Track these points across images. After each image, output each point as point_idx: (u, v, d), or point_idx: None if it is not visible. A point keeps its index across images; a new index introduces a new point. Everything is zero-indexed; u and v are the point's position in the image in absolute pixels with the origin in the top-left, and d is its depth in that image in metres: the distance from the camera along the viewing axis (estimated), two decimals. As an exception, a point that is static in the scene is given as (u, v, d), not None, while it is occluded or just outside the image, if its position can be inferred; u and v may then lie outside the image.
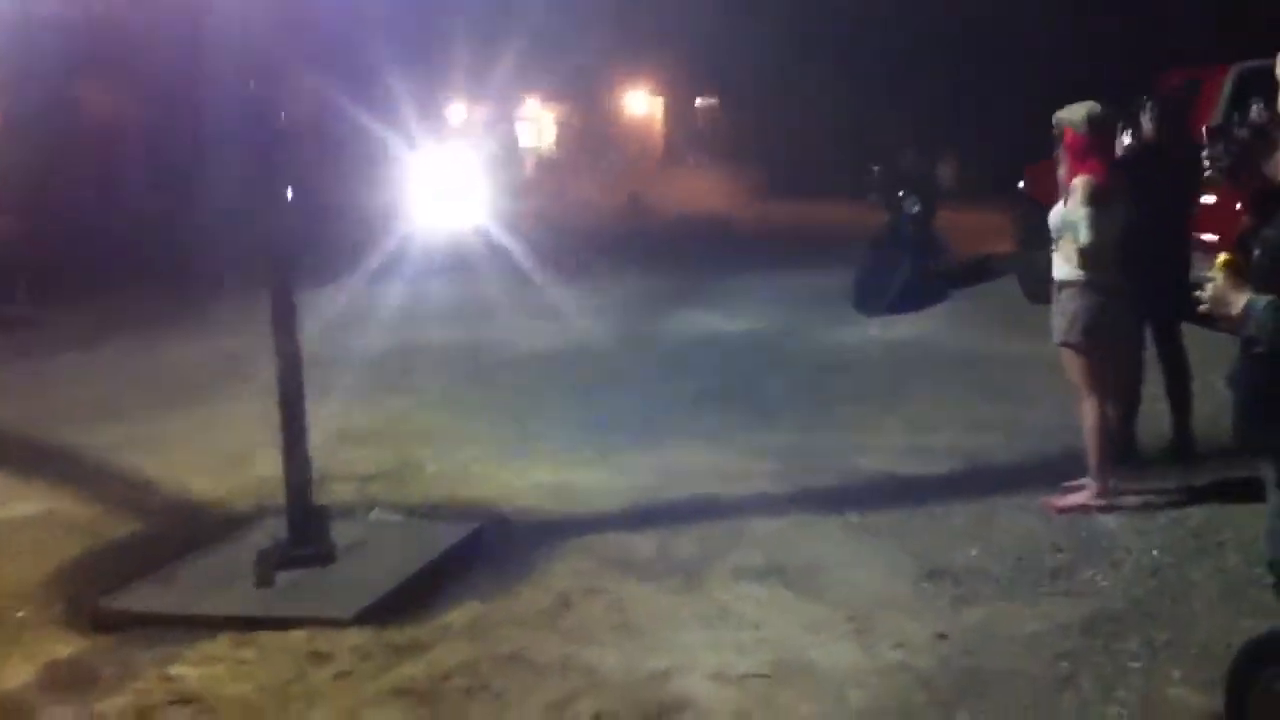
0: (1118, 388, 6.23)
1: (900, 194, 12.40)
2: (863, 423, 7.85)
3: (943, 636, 4.63)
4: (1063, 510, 5.91)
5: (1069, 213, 5.88)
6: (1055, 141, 6.11)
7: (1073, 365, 6.04)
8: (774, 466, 6.95)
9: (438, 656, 4.63)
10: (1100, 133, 5.95)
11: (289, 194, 5.78)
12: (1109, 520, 5.79)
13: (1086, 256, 5.81)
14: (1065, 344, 6.01)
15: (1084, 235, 5.75)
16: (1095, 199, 5.78)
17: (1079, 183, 5.83)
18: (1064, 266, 5.96)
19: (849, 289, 12.06)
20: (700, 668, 4.43)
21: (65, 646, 4.91)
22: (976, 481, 6.53)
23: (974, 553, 5.45)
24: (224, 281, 12.88)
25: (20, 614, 5.25)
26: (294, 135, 6.59)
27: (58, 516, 6.47)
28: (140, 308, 12.88)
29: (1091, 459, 5.99)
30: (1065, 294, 5.97)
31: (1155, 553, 5.38)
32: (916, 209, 12.28)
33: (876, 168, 13.05)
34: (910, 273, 11.86)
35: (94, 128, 22.63)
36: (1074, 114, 5.94)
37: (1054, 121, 6.03)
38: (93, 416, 8.70)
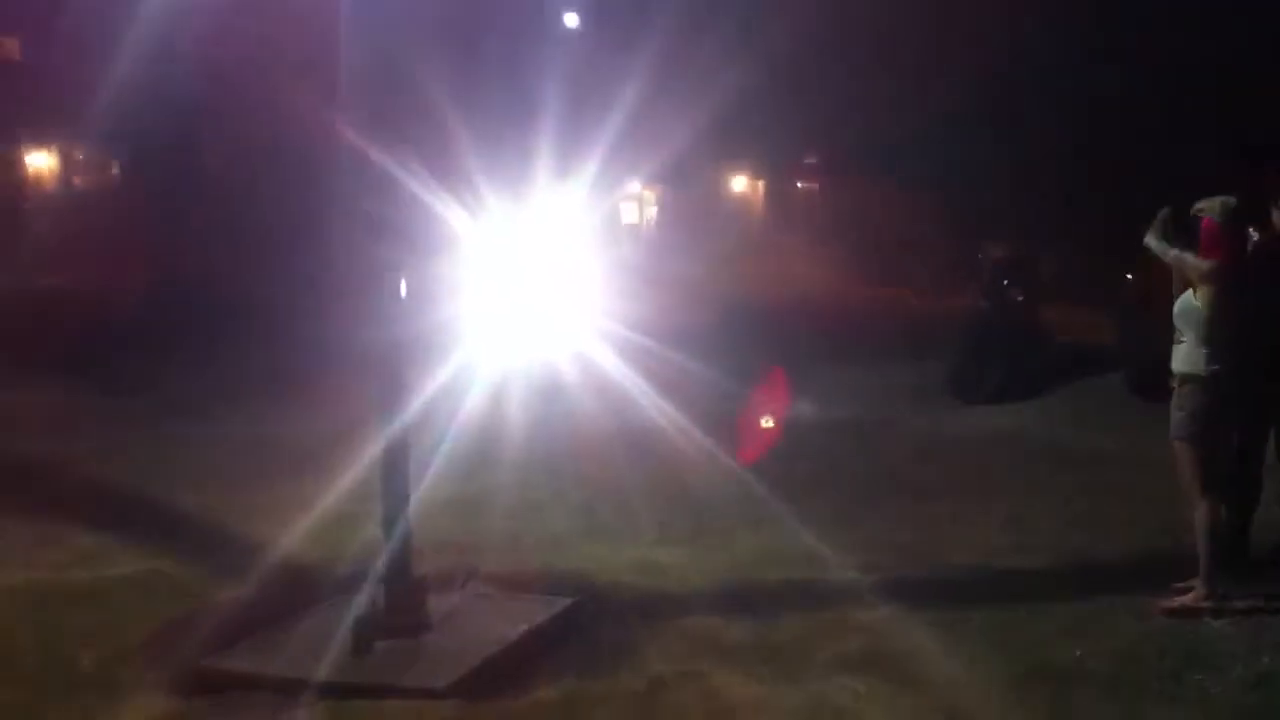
0: (1233, 488, 6.09)
1: (1004, 283, 12.30)
2: (958, 515, 7.75)
3: (1044, 738, 4.53)
4: (1171, 612, 5.77)
5: (1195, 301, 5.84)
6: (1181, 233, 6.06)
7: (1186, 462, 5.92)
8: (868, 556, 6.87)
9: (530, 733, 4.63)
10: (1235, 223, 5.94)
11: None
12: (1217, 625, 5.64)
13: (1208, 343, 5.75)
14: (1180, 439, 5.90)
15: (1206, 314, 5.69)
16: (1226, 285, 5.74)
17: (1209, 267, 5.80)
18: (1185, 359, 5.90)
19: (944, 378, 11.95)
20: (795, 759, 4.38)
21: (164, 707, 4.98)
22: (1075, 580, 6.41)
23: (1077, 652, 5.33)
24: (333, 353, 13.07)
25: (122, 673, 5.34)
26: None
27: (162, 577, 6.59)
28: (254, 374, 13.11)
29: (1202, 561, 5.85)
30: (1185, 389, 5.89)
31: (1265, 659, 5.23)
32: (1019, 298, 12.17)
33: (981, 256, 12.98)
34: (1010, 362, 11.73)
35: (216, 188, 23.24)
36: (1213, 203, 5.93)
37: (1192, 211, 6.00)
38: (200, 482, 8.88)
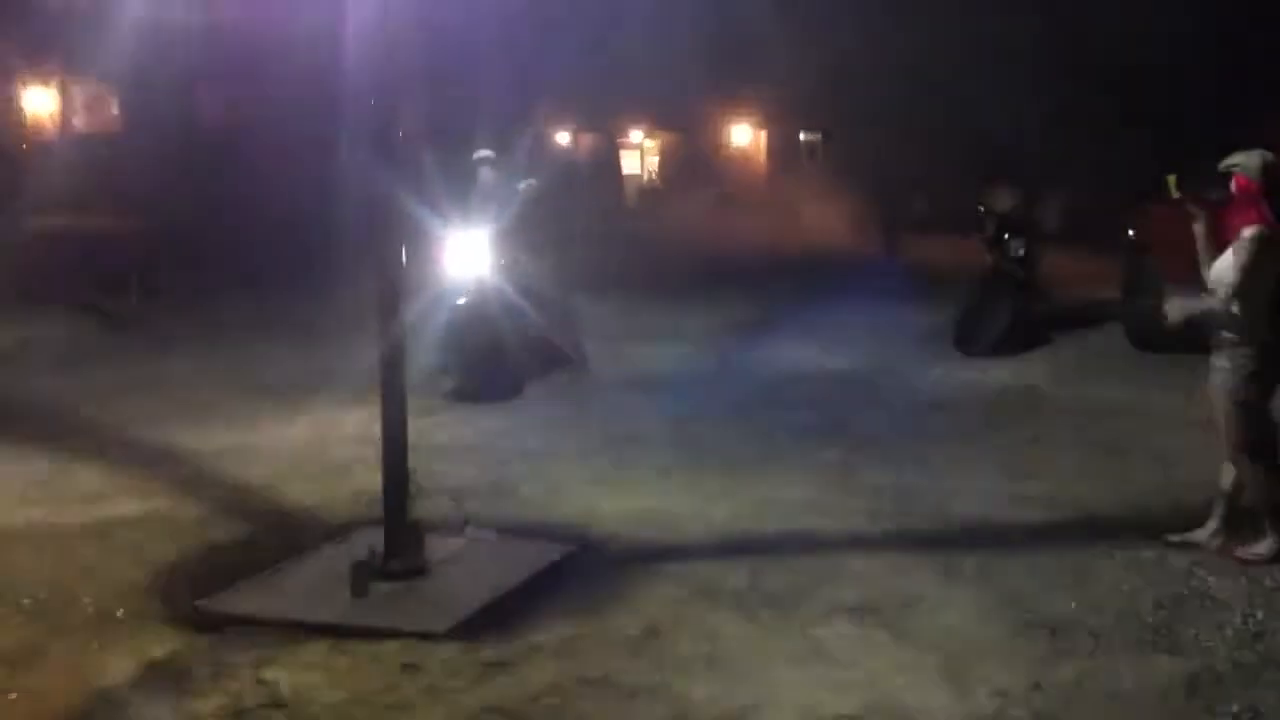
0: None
1: (1005, 236, 12.24)
2: (959, 466, 7.74)
3: (1038, 688, 4.54)
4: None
5: (1231, 261, 5.76)
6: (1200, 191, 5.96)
7: (1236, 425, 5.85)
8: (868, 504, 6.88)
9: (527, 676, 4.64)
10: (1272, 180, 5.81)
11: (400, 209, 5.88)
12: (1212, 579, 5.64)
13: (1240, 306, 5.69)
14: (1232, 403, 5.83)
15: (1234, 279, 5.64)
16: (1264, 249, 5.66)
17: (1250, 232, 5.71)
18: (1233, 323, 5.83)
19: (950, 329, 11.93)
20: (790, 704, 4.40)
21: (163, 646, 5.00)
22: (1075, 532, 6.40)
23: (1073, 604, 5.34)
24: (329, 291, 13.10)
25: (120, 612, 5.37)
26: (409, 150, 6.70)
27: (160, 517, 6.62)
28: (248, 314, 13.13)
29: (1268, 520, 5.81)
30: (1233, 353, 5.82)
31: (1261, 614, 5.24)
32: (1021, 251, 12.11)
33: (981, 208, 12.89)
34: (1013, 315, 11.70)
35: (210, 134, 23.21)
36: (1249, 159, 5.80)
37: (1222, 166, 5.89)
38: (197, 420, 8.91)
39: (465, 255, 9.90)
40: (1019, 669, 4.70)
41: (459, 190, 10.07)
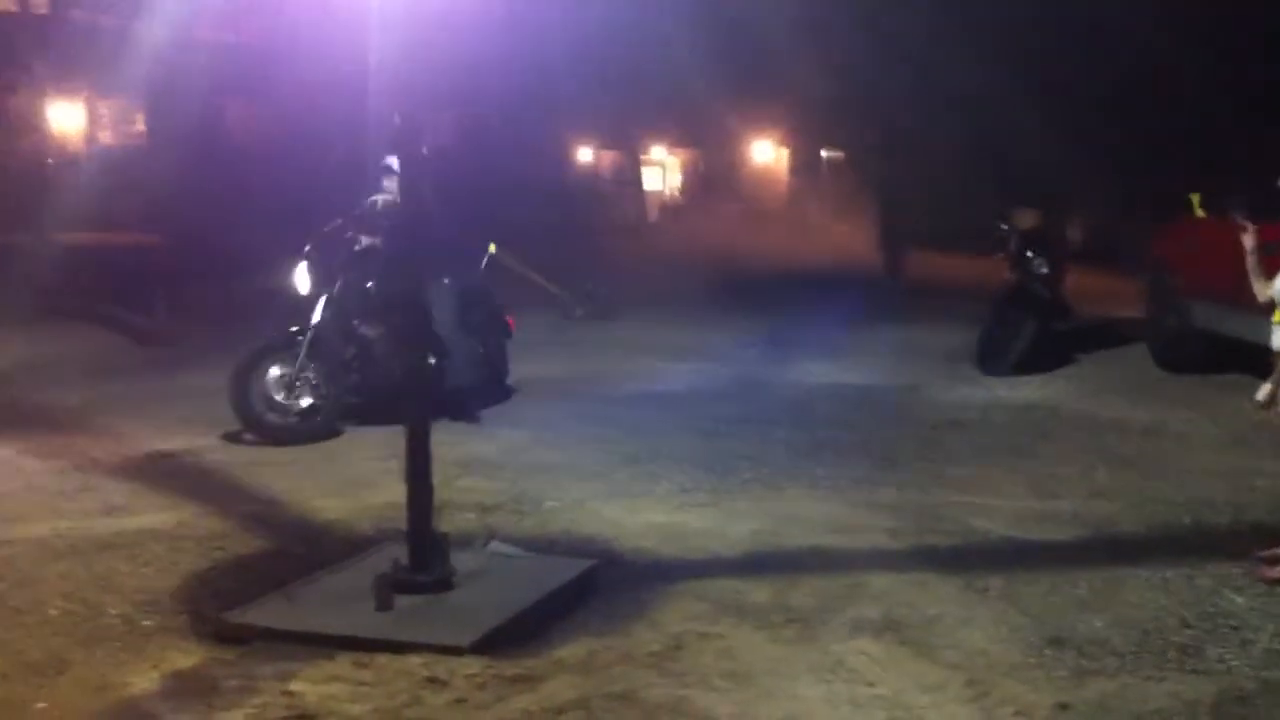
0: None
1: (1028, 254, 12.22)
2: (982, 484, 7.73)
3: (1064, 707, 4.52)
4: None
5: None
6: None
7: None
8: (891, 522, 6.88)
9: (550, 690, 4.65)
10: None
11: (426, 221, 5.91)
12: (1239, 599, 5.62)
13: None
14: None
15: None
16: None
17: None
18: None
19: (973, 347, 11.91)
20: (814, 721, 4.39)
21: (188, 657, 5.02)
22: (1100, 551, 6.39)
23: (1098, 623, 5.32)
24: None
25: (147, 622, 5.40)
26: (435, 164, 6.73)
27: (186, 529, 6.65)
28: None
29: None
30: None
31: (1288, 635, 5.21)
32: (1045, 270, 12.08)
33: (1005, 226, 12.89)
34: (1035, 334, 11.67)
35: (235, 150, 23.35)
36: None
37: None
38: (223, 433, 8.95)
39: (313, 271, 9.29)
40: (1044, 688, 4.68)
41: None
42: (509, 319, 10.56)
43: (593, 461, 8.25)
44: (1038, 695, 4.61)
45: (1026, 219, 12.67)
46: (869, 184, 26.68)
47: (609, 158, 37.19)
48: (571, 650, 5.04)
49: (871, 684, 4.72)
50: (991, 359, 11.57)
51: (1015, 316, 11.78)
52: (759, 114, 33.87)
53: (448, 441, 7.64)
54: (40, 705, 4.61)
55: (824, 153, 35.64)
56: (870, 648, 5.07)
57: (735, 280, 18.97)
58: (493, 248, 11.14)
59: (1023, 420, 9.64)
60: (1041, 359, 11.59)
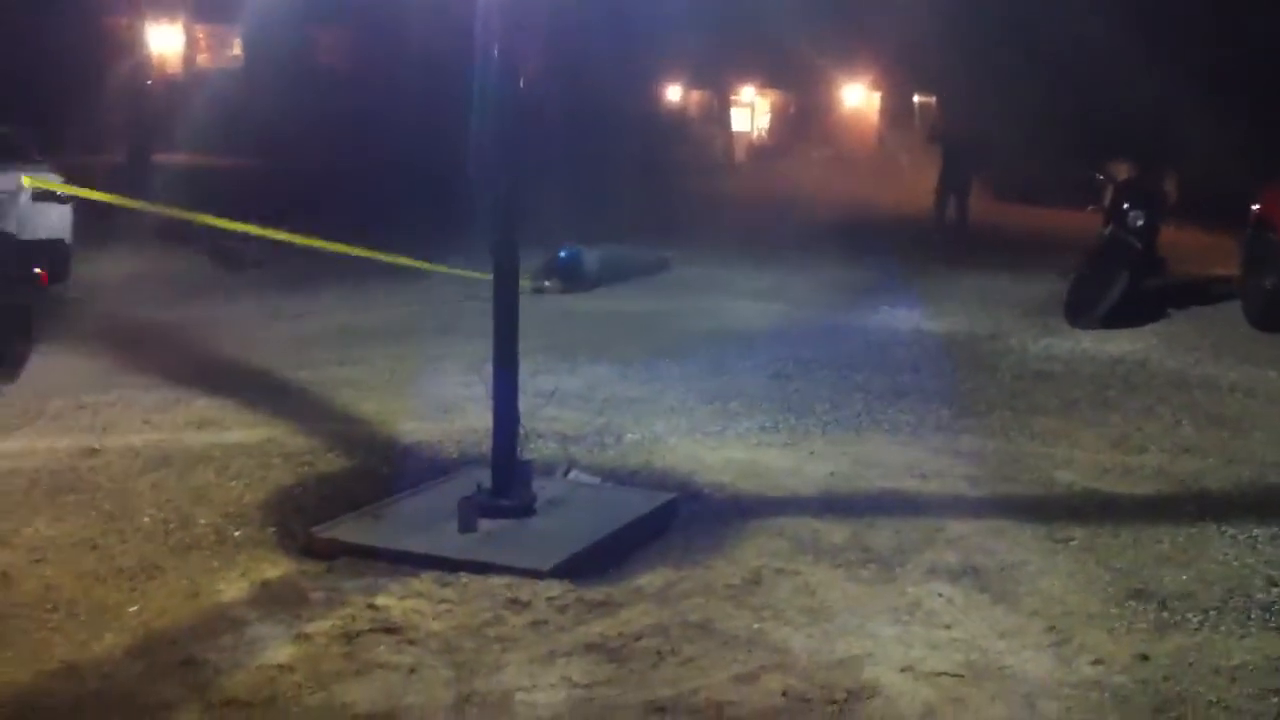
0: None
1: (1124, 206, 11.98)
2: (1066, 435, 7.65)
3: (1144, 658, 4.49)
4: None
5: None
6: None
7: None
8: (972, 469, 6.84)
9: (629, 616, 4.71)
10: None
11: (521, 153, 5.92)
12: (1328, 559, 5.53)
13: None
14: None
15: None
16: None
17: None
18: None
19: (1061, 298, 11.75)
20: (890, 659, 4.40)
21: (276, 568, 5.15)
22: (1185, 506, 6.30)
23: (1182, 578, 5.26)
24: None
25: (237, 534, 5.54)
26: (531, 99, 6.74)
27: (276, 445, 6.80)
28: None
29: None
30: None
31: (1376, 597, 5.13)
32: (1140, 223, 11.85)
33: (1100, 177, 12.65)
34: (1128, 288, 11.47)
35: (329, 76, 23.52)
36: None
37: None
38: (311, 355, 9.11)
39: None
40: (1123, 639, 4.66)
41: None
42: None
43: (674, 398, 8.29)
44: (1117, 645, 4.59)
45: (1122, 170, 12.43)
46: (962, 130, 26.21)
47: (697, 97, 36.94)
48: (650, 579, 5.09)
49: (948, 626, 4.72)
50: (1081, 311, 11.40)
51: (1107, 269, 11.57)
52: (851, 57, 33.42)
53: (535, 372, 7.72)
54: (133, 609, 4.75)
55: (916, 98, 35.08)
56: (948, 591, 5.06)
57: (819, 224, 18.79)
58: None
59: (1109, 374, 9.50)
60: (1132, 313, 11.39)
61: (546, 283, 12.62)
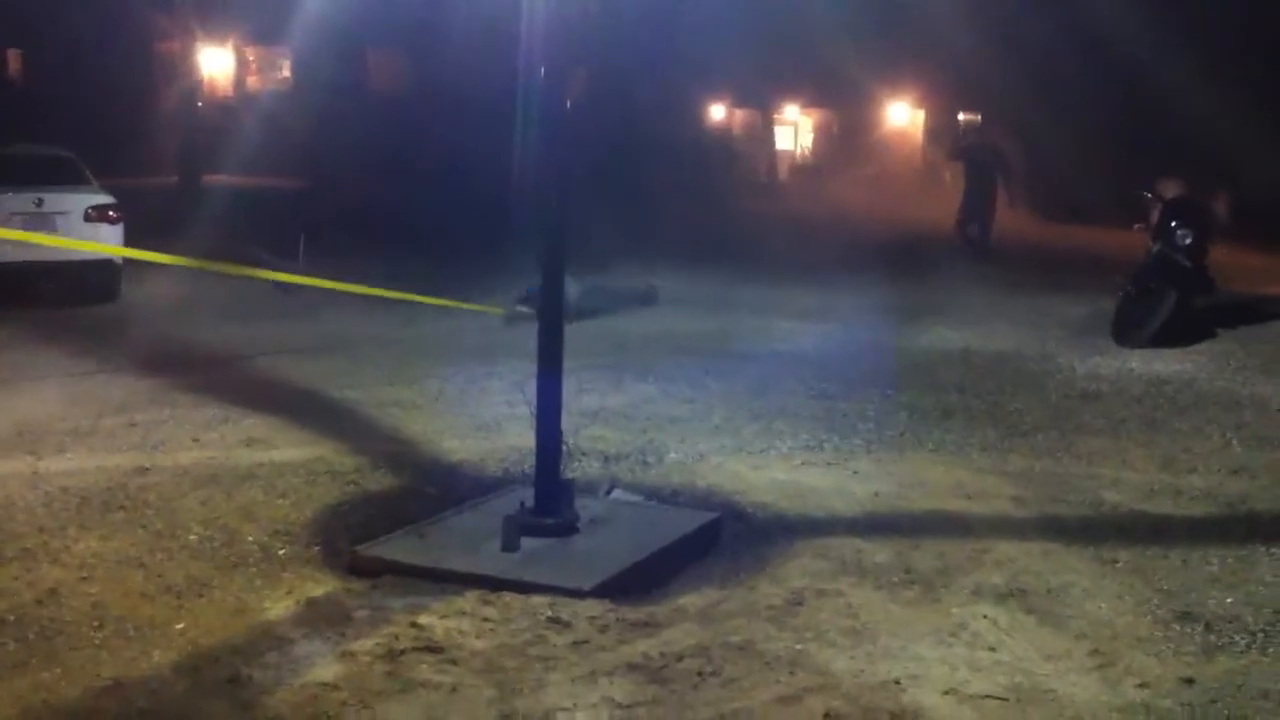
0: None
1: (1172, 224, 11.87)
2: (1113, 456, 7.59)
3: (1190, 682, 4.45)
4: None
5: None
6: None
7: None
8: (1017, 490, 6.79)
9: (671, 637, 4.71)
10: None
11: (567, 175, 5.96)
12: (1380, 584, 5.45)
13: None
14: None
15: None
16: None
17: None
18: None
19: (1107, 317, 11.65)
20: (934, 682, 4.38)
21: (322, 586, 5.20)
22: (1234, 528, 6.24)
23: (1229, 600, 5.21)
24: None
25: (282, 551, 5.60)
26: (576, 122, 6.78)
27: (323, 463, 6.86)
28: (407, 275, 13.44)
29: None
30: None
31: None
32: (1188, 241, 11.73)
33: (1149, 195, 12.54)
34: (1176, 306, 11.36)
35: (377, 98, 23.74)
36: None
37: None
38: (357, 373, 9.19)
39: None
40: (1170, 662, 4.61)
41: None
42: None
43: (717, 417, 8.29)
44: (1163, 669, 4.55)
45: (1171, 188, 12.32)
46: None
47: (741, 116, 36.96)
48: (692, 599, 5.10)
49: (993, 649, 4.69)
50: (1128, 330, 11.30)
51: (1155, 288, 11.47)
52: (896, 75, 33.34)
53: (577, 391, 7.74)
54: (180, 626, 4.81)
55: (961, 116, 34.92)
56: (993, 613, 5.03)
57: (863, 243, 18.77)
58: None
59: (1157, 393, 9.41)
60: (1180, 332, 11.28)
61: (521, 308, 11.57)
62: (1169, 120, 20.01)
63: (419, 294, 11.70)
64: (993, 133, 24.30)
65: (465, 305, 11.70)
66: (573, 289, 11.38)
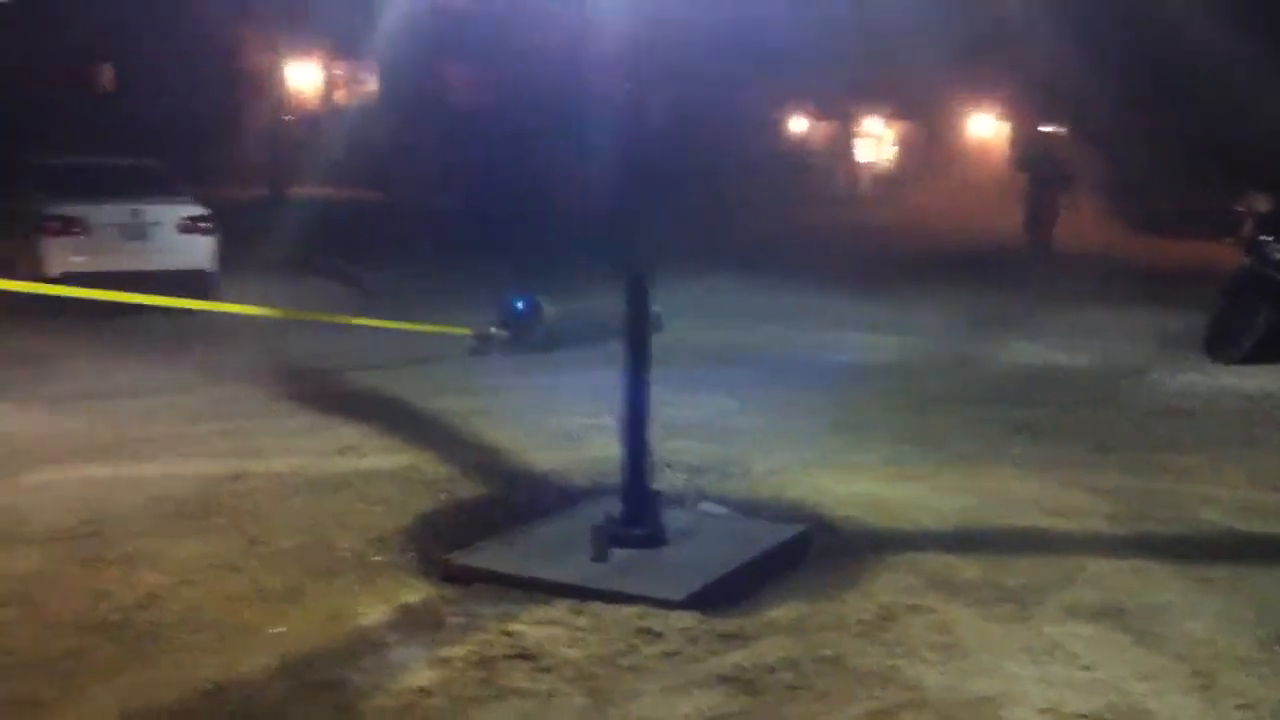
0: None
1: (1264, 238, 11.66)
2: (1206, 472, 7.47)
3: (1292, 704, 4.37)
4: None
5: None
6: None
7: None
8: (1109, 507, 6.70)
9: (761, 649, 4.71)
10: None
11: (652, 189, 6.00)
12: None
13: None
14: None
15: None
16: None
17: None
18: None
19: (1199, 333, 11.47)
20: (1029, 700, 4.34)
21: (415, 593, 5.25)
22: (1334, 548, 6.12)
23: (1331, 622, 5.11)
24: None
25: (376, 558, 5.67)
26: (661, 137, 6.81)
27: (415, 471, 6.94)
28: (476, 285, 13.52)
29: None
30: None
31: None
32: (1281, 255, 11.51)
33: (1241, 209, 12.33)
34: (1270, 322, 11.15)
35: (459, 113, 23.99)
36: None
37: None
38: (445, 383, 9.31)
39: None
40: (1272, 683, 4.53)
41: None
42: None
43: (800, 429, 8.27)
44: (1266, 689, 4.47)
45: (1263, 202, 12.11)
46: (1093, 161, 25.73)
47: (822, 129, 36.86)
48: (782, 612, 5.09)
49: (1088, 668, 4.63)
50: (1221, 346, 11.12)
51: (1248, 303, 11.27)
52: (980, 88, 33.08)
53: (658, 403, 7.75)
54: (276, 630, 4.89)
55: (1044, 128, 34.54)
56: (1087, 631, 4.97)
57: (943, 255, 18.65)
58: None
59: (1251, 410, 9.25)
60: (1274, 349, 11.07)
61: (493, 330, 11.09)
62: (1261, 134, 19.63)
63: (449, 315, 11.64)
64: (1055, 144, 24.05)
65: (427, 328, 11.28)
66: (551, 311, 11.28)
